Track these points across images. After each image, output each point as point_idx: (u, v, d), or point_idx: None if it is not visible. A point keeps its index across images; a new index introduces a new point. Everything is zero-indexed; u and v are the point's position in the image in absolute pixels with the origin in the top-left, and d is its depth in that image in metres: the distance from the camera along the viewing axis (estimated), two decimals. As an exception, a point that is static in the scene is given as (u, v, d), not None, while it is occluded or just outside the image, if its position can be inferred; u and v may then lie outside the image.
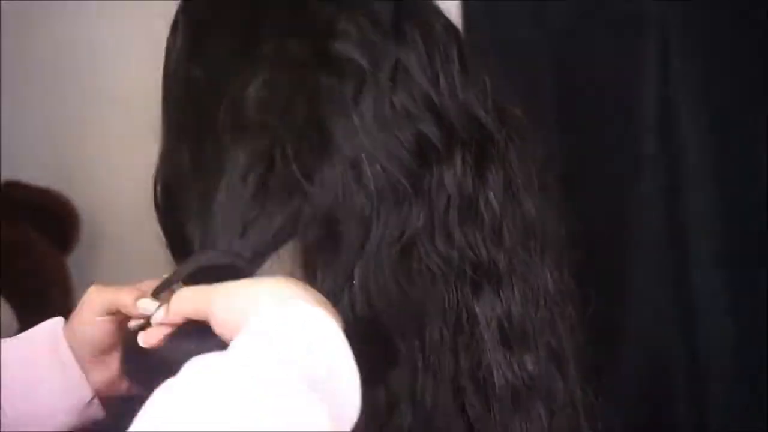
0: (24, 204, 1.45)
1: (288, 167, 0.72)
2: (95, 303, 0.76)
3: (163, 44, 0.81)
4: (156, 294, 0.73)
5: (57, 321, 0.78)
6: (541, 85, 1.28)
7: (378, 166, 0.73)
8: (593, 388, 0.86)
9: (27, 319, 1.36)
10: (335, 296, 0.73)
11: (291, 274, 0.74)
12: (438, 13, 0.81)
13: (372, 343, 0.73)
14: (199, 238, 0.73)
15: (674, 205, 1.23)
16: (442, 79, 0.76)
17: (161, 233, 0.79)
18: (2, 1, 1.51)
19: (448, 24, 0.81)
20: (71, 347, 0.77)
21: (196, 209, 0.74)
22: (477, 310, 0.77)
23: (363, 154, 0.73)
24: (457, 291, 0.76)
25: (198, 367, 0.55)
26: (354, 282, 0.73)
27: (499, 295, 0.78)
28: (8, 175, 1.49)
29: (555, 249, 0.84)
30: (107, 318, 0.76)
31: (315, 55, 0.74)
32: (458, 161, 0.76)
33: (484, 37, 1.24)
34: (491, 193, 0.77)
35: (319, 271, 0.74)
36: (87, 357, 0.77)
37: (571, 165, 1.21)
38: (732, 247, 1.22)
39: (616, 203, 1.25)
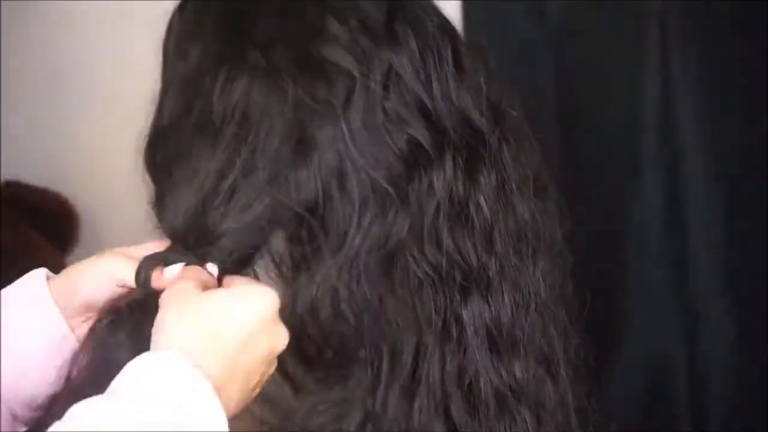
0: (24, 204, 1.45)
1: (263, 169, 0.72)
2: (116, 275, 0.73)
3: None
4: None
5: (39, 274, 0.75)
6: (541, 85, 1.28)
7: (364, 174, 0.73)
8: (587, 391, 0.86)
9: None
10: (302, 296, 0.73)
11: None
12: (432, 11, 0.80)
13: (329, 348, 0.74)
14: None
15: (674, 205, 1.23)
16: (435, 82, 0.76)
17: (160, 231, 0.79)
18: (2, 1, 1.51)
19: (442, 23, 0.80)
20: (58, 297, 0.74)
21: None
22: (465, 316, 0.76)
23: (348, 162, 0.73)
24: (445, 297, 0.76)
25: (78, 418, 0.59)
26: (320, 285, 0.73)
27: (488, 302, 0.77)
28: (8, 175, 1.49)
29: (549, 251, 0.83)
30: (116, 287, 0.74)
31: (301, 62, 0.74)
32: (449, 165, 0.75)
33: (484, 37, 1.23)
34: (482, 197, 0.77)
35: (292, 270, 0.74)
36: (76, 310, 0.74)
37: (571, 165, 1.21)
38: (732, 247, 1.22)
39: (616, 204, 1.25)
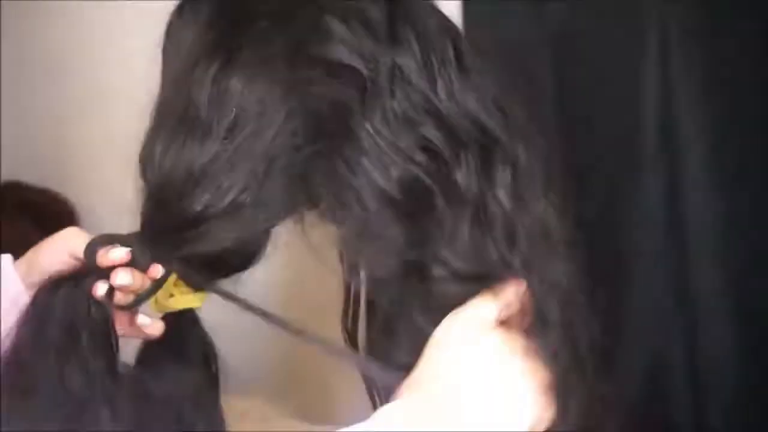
0: (24, 204, 1.45)
1: (266, 171, 0.72)
2: (70, 246, 0.79)
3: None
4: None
5: (5, 257, 0.82)
6: (541, 85, 1.28)
7: (379, 177, 0.73)
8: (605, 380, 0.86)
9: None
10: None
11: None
12: (434, 11, 0.80)
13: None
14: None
15: (674, 205, 1.23)
16: (440, 82, 0.76)
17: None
18: (2, 1, 1.51)
19: (444, 23, 0.80)
20: (25, 272, 0.80)
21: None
22: None
23: (363, 166, 0.73)
24: (465, 296, 0.76)
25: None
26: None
27: None
28: (8, 175, 1.49)
29: (565, 245, 0.83)
30: (76, 260, 0.79)
31: (305, 61, 0.74)
32: (464, 164, 0.75)
33: (484, 37, 1.23)
34: (501, 192, 0.77)
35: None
36: (36, 279, 0.79)
37: (571, 165, 1.21)
38: (732, 247, 1.21)
39: (616, 203, 1.25)
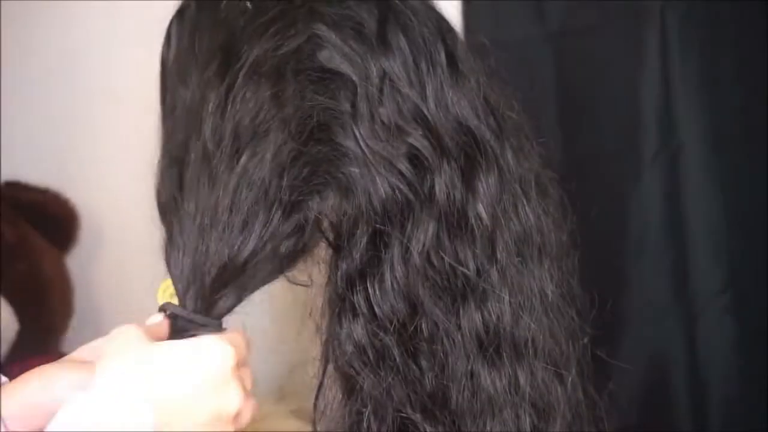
0: (24, 204, 1.45)
1: (274, 190, 0.70)
2: (58, 386, 0.66)
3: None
4: None
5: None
6: (541, 85, 1.28)
7: (375, 185, 0.73)
8: (596, 389, 0.86)
9: (27, 319, 1.37)
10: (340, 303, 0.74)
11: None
12: (429, 13, 0.79)
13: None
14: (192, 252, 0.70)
15: (674, 205, 1.23)
16: (429, 88, 0.75)
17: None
18: (2, 1, 1.51)
19: (437, 25, 0.78)
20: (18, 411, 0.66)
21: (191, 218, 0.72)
22: (462, 322, 0.76)
23: (359, 174, 0.73)
24: (443, 304, 0.76)
25: None
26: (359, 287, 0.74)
27: (486, 309, 0.77)
28: (8, 175, 1.49)
29: (555, 252, 0.83)
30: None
31: (299, 71, 0.73)
32: (447, 174, 0.75)
33: (484, 37, 1.24)
34: (481, 204, 0.76)
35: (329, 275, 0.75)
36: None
37: (571, 165, 1.21)
38: (732, 246, 1.22)
39: (616, 203, 1.25)
